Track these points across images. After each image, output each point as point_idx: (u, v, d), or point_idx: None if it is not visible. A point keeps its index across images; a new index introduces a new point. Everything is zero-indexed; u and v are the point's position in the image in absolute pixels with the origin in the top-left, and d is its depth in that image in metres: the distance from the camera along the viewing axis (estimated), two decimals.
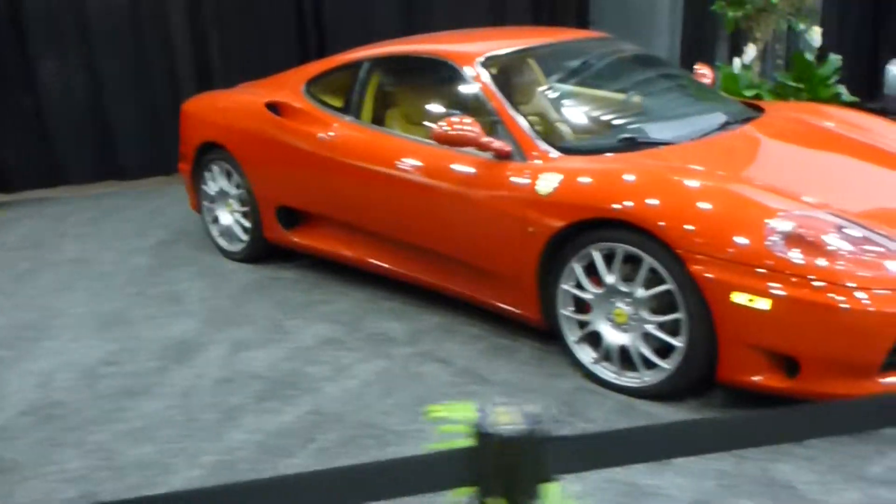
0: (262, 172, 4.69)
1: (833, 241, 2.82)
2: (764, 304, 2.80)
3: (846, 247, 2.82)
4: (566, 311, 3.39)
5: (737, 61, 6.00)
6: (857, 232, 2.89)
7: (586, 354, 3.38)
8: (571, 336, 3.40)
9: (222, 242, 5.09)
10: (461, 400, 3.17)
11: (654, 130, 3.67)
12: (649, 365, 3.17)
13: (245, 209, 4.85)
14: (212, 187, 5.04)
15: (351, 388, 3.48)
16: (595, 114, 3.98)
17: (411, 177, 3.86)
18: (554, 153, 3.50)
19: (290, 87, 4.74)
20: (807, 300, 2.74)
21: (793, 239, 2.82)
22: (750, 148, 3.58)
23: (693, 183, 3.09)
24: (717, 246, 2.88)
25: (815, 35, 6.09)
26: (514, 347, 3.74)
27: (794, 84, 5.99)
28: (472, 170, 3.62)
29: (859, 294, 2.72)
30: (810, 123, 3.98)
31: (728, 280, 2.86)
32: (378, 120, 4.34)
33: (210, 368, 3.72)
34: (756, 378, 2.93)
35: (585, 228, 3.22)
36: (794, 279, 2.77)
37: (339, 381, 3.55)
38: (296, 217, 4.64)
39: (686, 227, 2.94)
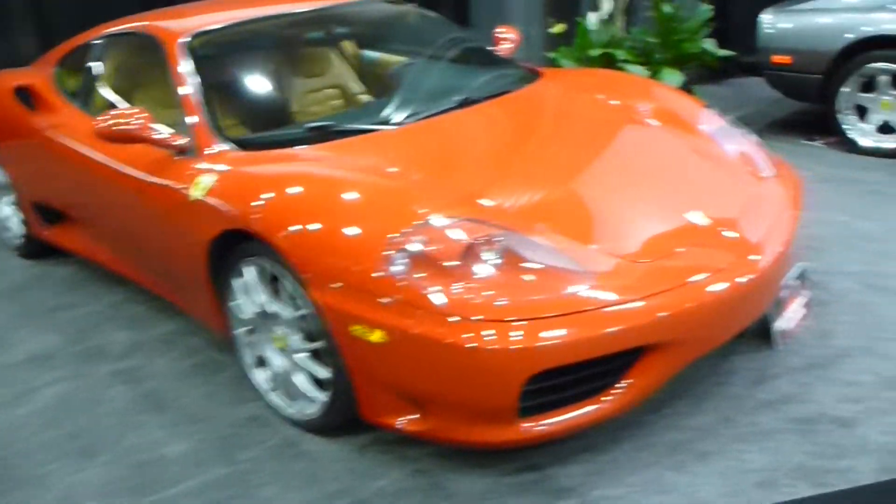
0: (13, 163, 4.29)
1: (461, 260, 2.33)
2: (379, 337, 2.35)
3: (481, 269, 2.33)
4: (239, 331, 2.96)
5: (591, 16, 5.39)
6: (509, 246, 2.40)
7: (263, 380, 2.95)
8: (247, 358, 2.98)
9: (5, 235, 4.72)
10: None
11: (360, 115, 3.19)
12: (312, 395, 2.75)
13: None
14: None
15: (15, 419, 3.10)
16: (301, 98, 3.48)
17: (111, 172, 3.42)
18: (225, 148, 3.03)
19: (46, 66, 4.31)
20: (419, 334, 2.27)
21: (417, 259, 2.34)
22: (452, 135, 3.07)
23: (322, 191, 2.61)
24: (336, 268, 2.42)
25: None
26: (223, 365, 3.32)
27: (653, 40, 5.39)
28: (150, 167, 3.17)
29: (478, 326, 2.24)
30: (572, 100, 3.44)
31: (347, 308, 2.40)
32: (109, 104, 3.87)
33: None
34: (395, 420, 2.49)
35: (237, 240, 2.77)
36: (408, 308, 2.30)
37: (9, 409, 3.18)
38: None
39: (306, 244, 2.48)
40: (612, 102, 3.39)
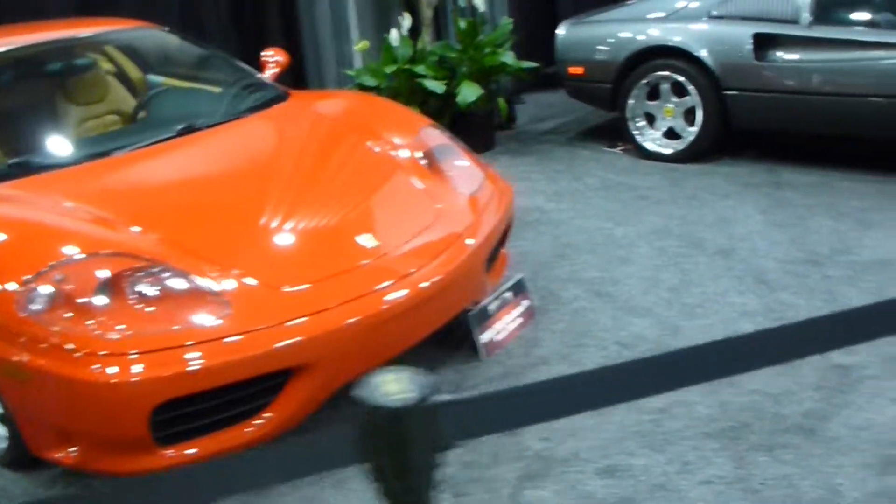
0: None
1: (98, 295, 2.39)
2: (22, 375, 2.40)
3: (115, 303, 2.40)
4: None
5: (394, 32, 5.49)
6: (149, 279, 2.46)
7: None
8: None
9: None
10: None
11: (64, 148, 3.23)
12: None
13: None
14: None
15: None
16: (19, 133, 3.50)
17: None
18: None
19: None
20: (50, 371, 2.33)
21: (55, 298, 2.39)
22: (151, 167, 3.13)
23: None
24: None
25: None
26: None
27: (453, 54, 5.51)
28: None
29: (102, 361, 2.30)
30: (293, 127, 3.53)
31: None
32: None
33: None
34: (56, 454, 2.53)
35: None
36: (41, 347, 2.35)
37: None
38: None
39: None
40: (331, 128, 3.48)
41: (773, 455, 2.50)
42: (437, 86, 5.28)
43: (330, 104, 3.81)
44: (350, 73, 5.53)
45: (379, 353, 2.69)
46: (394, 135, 3.43)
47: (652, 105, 5.26)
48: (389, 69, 5.32)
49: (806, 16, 4.63)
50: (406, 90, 5.44)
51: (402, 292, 2.67)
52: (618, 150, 5.61)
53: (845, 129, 4.72)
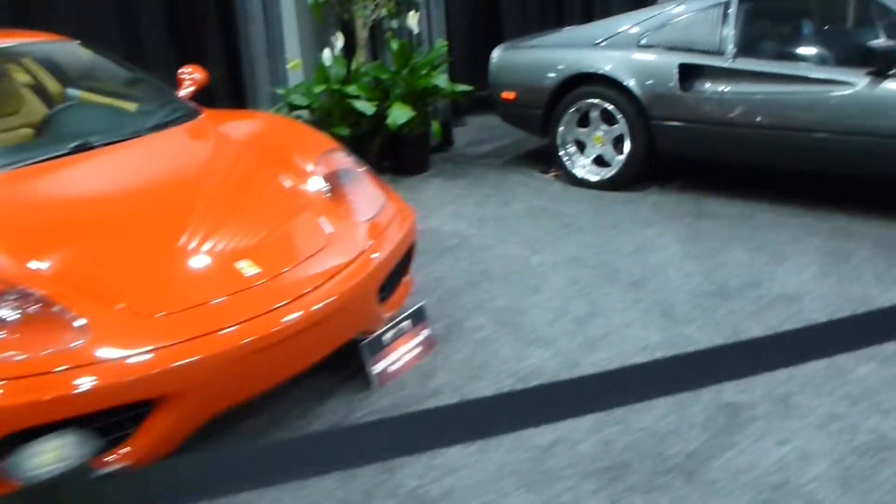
0: None
1: None
2: None
3: None
4: None
5: (326, 52, 5.43)
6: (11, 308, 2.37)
7: None
8: None
9: None
10: None
11: None
12: None
13: None
14: None
15: None
16: None
17: None
18: None
19: None
20: None
21: None
22: (37, 186, 3.02)
23: None
24: None
25: (412, 21, 5.56)
26: None
27: (385, 76, 5.46)
28: None
29: None
30: (194, 146, 3.45)
31: None
32: None
33: None
34: None
35: None
36: None
37: None
38: None
39: None
40: (233, 149, 3.40)
41: (649, 497, 2.44)
42: (367, 107, 5.22)
43: (239, 125, 3.73)
44: (280, 91, 5.46)
45: (252, 382, 2.61)
46: (297, 157, 3.36)
47: (582, 132, 5.24)
48: (319, 89, 5.25)
49: (730, 48, 4.64)
50: (338, 111, 5.38)
51: (294, 315, 2.59)
52: (550, 175, 5.58)
53: (767, 161, 4.72)
